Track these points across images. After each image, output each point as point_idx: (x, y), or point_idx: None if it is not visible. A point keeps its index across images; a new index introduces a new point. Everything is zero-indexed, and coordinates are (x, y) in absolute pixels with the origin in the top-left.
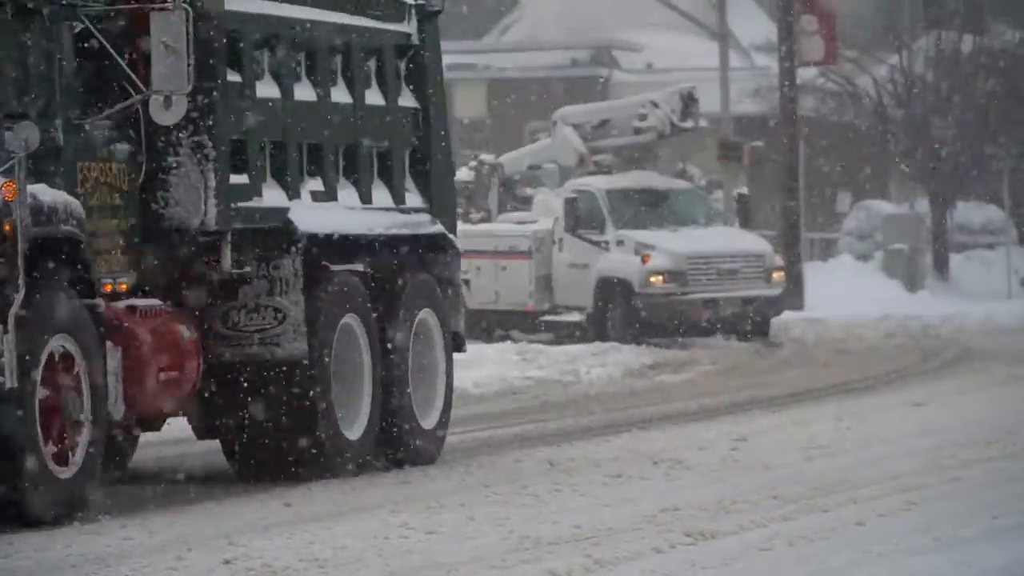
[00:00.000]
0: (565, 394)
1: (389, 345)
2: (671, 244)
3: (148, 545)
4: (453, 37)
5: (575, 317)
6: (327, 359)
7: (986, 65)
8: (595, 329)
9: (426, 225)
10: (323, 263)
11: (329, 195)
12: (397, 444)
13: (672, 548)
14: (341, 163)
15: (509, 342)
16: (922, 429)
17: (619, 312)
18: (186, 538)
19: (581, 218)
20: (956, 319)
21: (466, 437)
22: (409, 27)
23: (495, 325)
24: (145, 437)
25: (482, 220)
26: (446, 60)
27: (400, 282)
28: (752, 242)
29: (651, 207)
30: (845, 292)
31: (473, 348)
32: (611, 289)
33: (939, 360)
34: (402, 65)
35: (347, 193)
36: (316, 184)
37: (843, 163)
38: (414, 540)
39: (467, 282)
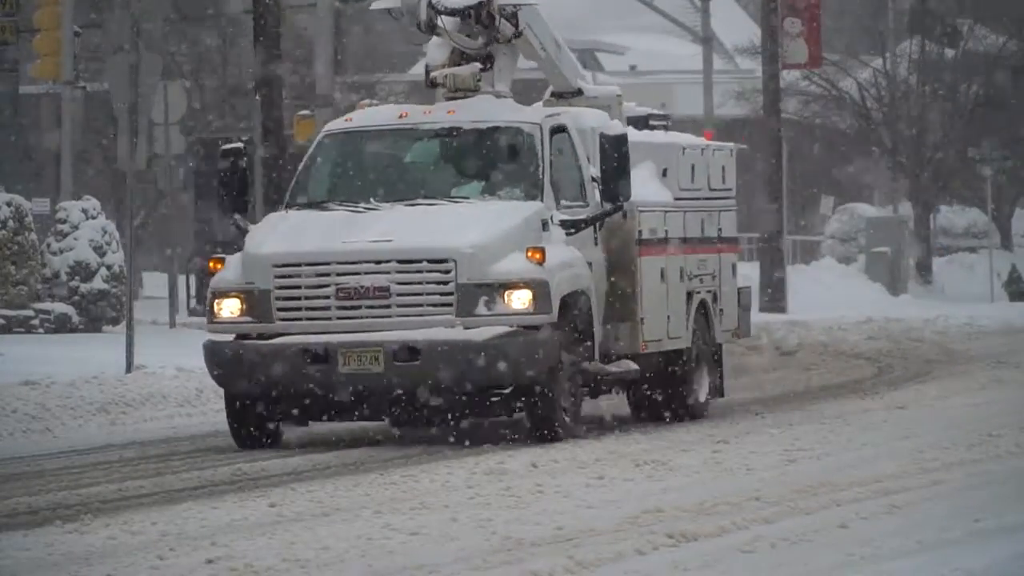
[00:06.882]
0: None
1: None
2: (269, 240)
3: (130, 544)
4: None
5: None
6: None
7: (969, 69)
8: None
9: None
10: None
11: None
12: None
13: (654, 550)
14: None
15: None
16: (904, 432)
17: None
18: (168, 538)
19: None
20: (938, 322)
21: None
22: None
23: None
24: (132, 436)
25: None
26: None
27: None
28: (452, 232)
29: (421, 165)
30: (827, 295)
31: None
32: None
33: (921, 363)
34: None
35: None
36: None
37: (827, 166)
38: (397, 541)
39: None
